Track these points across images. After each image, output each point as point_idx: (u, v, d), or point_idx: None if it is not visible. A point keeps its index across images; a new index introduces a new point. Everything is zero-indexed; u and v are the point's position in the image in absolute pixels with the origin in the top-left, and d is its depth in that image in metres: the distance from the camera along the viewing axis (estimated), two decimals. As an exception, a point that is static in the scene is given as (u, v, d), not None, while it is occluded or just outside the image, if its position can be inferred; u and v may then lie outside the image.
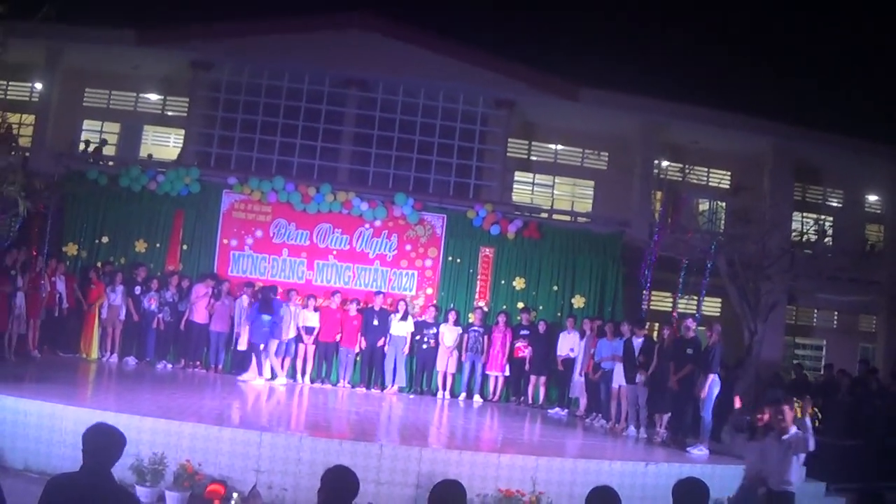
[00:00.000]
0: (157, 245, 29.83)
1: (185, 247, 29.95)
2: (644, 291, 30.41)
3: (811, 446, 13.34)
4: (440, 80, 33.83)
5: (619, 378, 24.63)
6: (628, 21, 62.19)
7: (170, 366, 27.75)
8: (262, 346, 26.64)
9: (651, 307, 31.93)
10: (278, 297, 27.58)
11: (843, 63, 59.53)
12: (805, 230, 34.88)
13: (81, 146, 34.64)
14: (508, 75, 34.33)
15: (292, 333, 27.75)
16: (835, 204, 40.58)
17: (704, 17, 60.85)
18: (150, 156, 34.98)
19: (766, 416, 13.83)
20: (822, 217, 38.55)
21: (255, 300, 27.61)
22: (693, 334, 22.52)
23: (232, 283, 28.80)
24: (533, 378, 28.56)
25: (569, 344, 27.83)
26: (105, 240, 29.51)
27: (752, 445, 14.42)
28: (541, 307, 30.26)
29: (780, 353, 35.38)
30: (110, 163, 33.16)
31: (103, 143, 34.99)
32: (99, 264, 28.59)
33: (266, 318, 26.61)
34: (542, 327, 28.64)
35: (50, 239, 28.49)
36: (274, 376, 27.09)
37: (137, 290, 27.95)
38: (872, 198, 40.96)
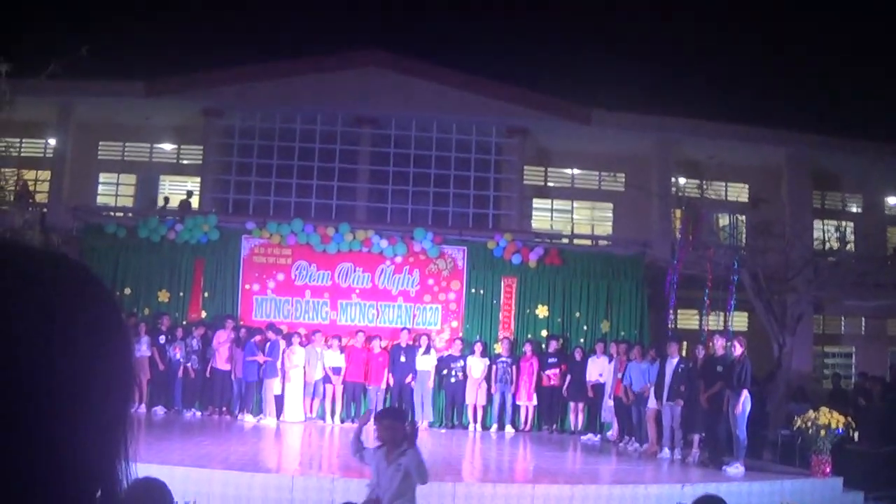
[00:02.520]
0: (180, 294, 29.88)
1: (206, 294, 29.95)
2: (670, 311, 30.27)
3: (426, 478, 10.63)
4: (451, 113, 33.95)
5: (651, 400, 24.50)
6: (634, 38, 62.23)
7: (198, 413, 27.70)
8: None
9: (678, 326, 31.79)
10: (272, 337, 27.65)
11: (853, 66, 59.44)
12: (826, 238, 34.66)
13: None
14: (518, 103, 34.37)
15: (319, 374, 27.69)
16: (854, 209, 40.36)
17: (711, 30, 60.89)
18: (166, 199, 35.17)
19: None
20: (843, 223, 38.26)
21: (235, 336, 28.03)
22: (722, 351, 22.43)
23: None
24: (572, 405, 28.39)
25: (598, 369, 27.68)
26: (127, 291, 29.45)
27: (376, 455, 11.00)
28: (567, 334, 30.08)
29: (811, 363, 35.14)
30: (129, 214, 33.28)
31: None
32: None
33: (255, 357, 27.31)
34: (577, 354, 28.46)
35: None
36: (273, 415, 27.24)
37: (162, 339, 27.93)
38: (892, 200, 40.72)
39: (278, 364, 27.27)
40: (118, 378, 1.42)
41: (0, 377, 1.28)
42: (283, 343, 27.54)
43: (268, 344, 27.39)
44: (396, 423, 10.39)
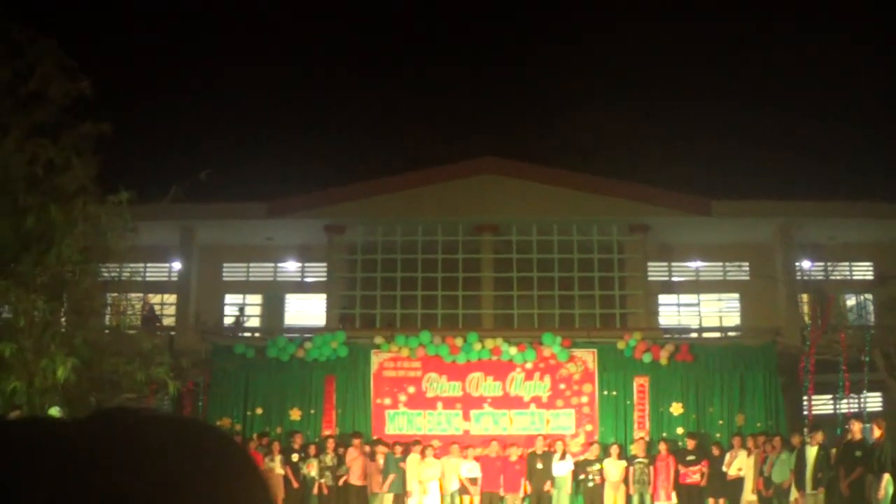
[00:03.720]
0: (312, 411, 30.10)
1: (339, 410, 30.06)
2: (804, 398, 29.89)
3: None
4: (571, 214, 33.94)
5: (792, 491, 24.21)
6: (746, 125, 62.08)
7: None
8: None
9: (813, 412, 31.35)
10: (381, 452, 27.77)
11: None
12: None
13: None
14: (638, 199, 34.30)
15: (455, 485, 27.60)
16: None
17: (821, 107, 60.51)
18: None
19: None
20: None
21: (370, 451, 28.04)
22: (860, 436, 22.14)
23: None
24: (711, 501, 27.95)
25: (737, 463, 27.32)
26: (259, 411, 29.77)
27: None
28: (702, 430, 29.70)
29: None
30: (256, 334, 33.64)
31: (241, 311, 35.07)
32: (255, 436, 28.71)
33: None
34: (715, 450, 28.08)
35: (203, 415, 28.86)
36: None
37: (295, 457, 28.02)
38: None
39: (403, 476, 27.32)
40: None
41: None
42: (412, 458, 27.49)
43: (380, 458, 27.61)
44: None
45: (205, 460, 1.35)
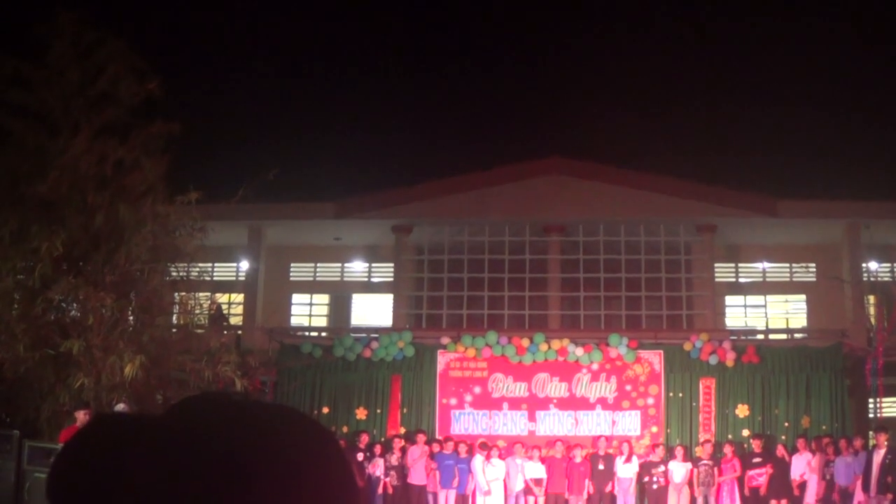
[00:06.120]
0: (378, 411, 30.24)
1: (405, 410, 30.22)
2: (871, 400, 29.72)
3: None
4: (638, 215, 33.96)
5: (858, 494, 24.09)
6: (811, 125, 61.59)
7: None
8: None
9: (881, 415, 31.14)
10: (443, 450, 27.94)
11: None
12: None
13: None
14: (704, 200, 34.18)
15: (520, 486, 27.66)
16: None
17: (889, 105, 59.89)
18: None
19: None
20: None
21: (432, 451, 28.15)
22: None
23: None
24: (774, 502, 27.82)
25: (802, 466, 27.17)
26: (325, 410, 29.93)
27: None
28: (768, 432, 29.56)
29: None
30: (323, 334, 33.83)
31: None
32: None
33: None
34: (780, 451, 27.95)
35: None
36: None
37: (360, 456, 28.15)
38: None
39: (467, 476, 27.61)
40: None
41: None
42: (477, 459, 27.63)
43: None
44: None
45: (304, 440, 1.41)
